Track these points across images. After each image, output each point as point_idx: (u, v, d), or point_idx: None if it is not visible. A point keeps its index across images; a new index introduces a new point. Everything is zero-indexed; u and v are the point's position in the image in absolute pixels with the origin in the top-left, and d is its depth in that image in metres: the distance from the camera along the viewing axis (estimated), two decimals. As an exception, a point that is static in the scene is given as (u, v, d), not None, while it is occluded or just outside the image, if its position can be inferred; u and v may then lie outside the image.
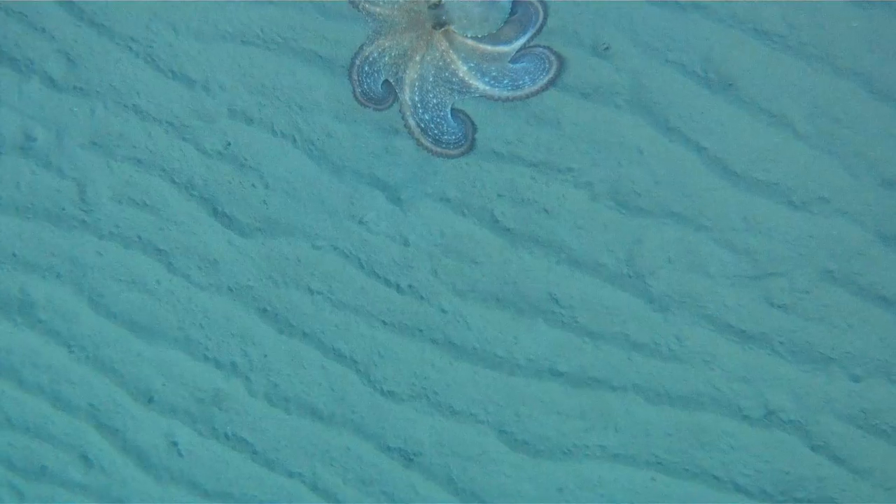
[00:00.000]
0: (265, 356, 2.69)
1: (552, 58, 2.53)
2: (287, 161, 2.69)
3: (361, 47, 2.60)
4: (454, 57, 2.51)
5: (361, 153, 2.64)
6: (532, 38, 2.50)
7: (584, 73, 2.52)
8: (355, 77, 2.60)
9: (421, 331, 2.65)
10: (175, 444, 2.70)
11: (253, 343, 2.70)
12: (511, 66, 2.54)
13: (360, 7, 2.56)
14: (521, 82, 2.52)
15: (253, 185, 2.70)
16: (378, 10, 2.51)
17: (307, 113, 2.65)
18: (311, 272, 2.69)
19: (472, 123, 2.56)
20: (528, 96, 2.54)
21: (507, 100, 2.53)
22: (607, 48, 2.50)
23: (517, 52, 2.53)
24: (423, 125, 2.56)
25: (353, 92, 2.61)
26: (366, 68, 2.59)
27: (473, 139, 2.55)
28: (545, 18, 2.52)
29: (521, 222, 2.59)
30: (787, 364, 2.46)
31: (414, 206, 2.63)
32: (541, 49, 2.54)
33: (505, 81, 2.51)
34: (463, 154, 2.55)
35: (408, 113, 2.59)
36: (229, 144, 2.69)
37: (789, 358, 2.46)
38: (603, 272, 2.57)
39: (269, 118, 2.68)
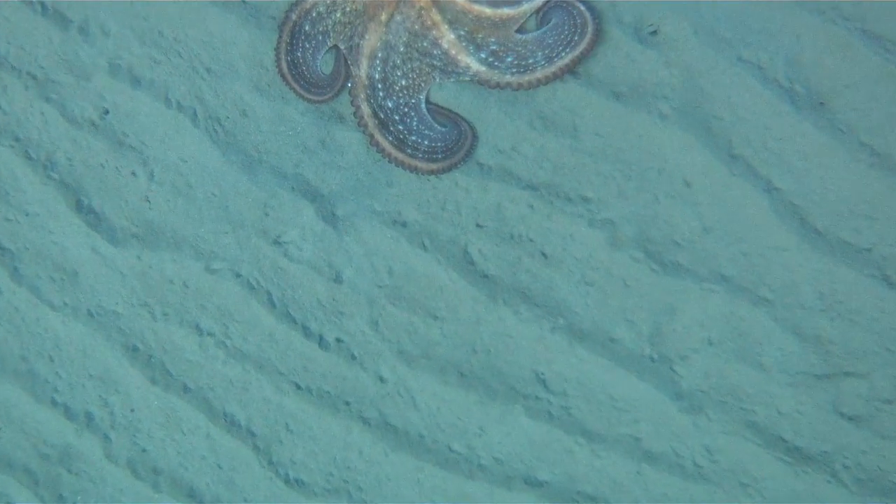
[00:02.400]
0: (132, 411, 2.41)
1: (586, 20, 2.09)
2: (182, 144, 2.35)
3: (303, -6, 2.18)
4: (437, 19, 2.10)
5: (287, 145, 2.31)
6: (546, 14, 2.13)
7: (618, 63, 2.17)
8: (285, 39, 2.18)
9: (348, 404, 2.34)
10: (11, 507, 2.43)
11: (116, 391, 2.41)
12: (519, 37, 2.13)
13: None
14: (531, 61, 2.11)
15: (133, 174, 2.38)
16: (331, -60, 2.15)
17: (217, 79, 2.31)
18: (202, 304, 2.37)
19: (469, 127, 2.19)
20: (538, 83, 2.13)
21: (507, 87, 2.12)
22: (655, 32, 2.16)
23: (529, 17, 2.14)
24: (382, 115, 2.17)
25: (278, 61, 2.21)
26: (305, 27, 2.18)
27: (468, 152, 2.19)
28: None
29: (505, 268, 2.26)
30: (849, 494, 2.16)
31: (354, 228, 2.31)
32: (572, 4, 2.11)
33: (508, 59, 2.12)
34: (441, 171, 2.19)
35: (361, 95, 2.16)
36: (107, 113, 2.37)
37: (853, 487, 2.17)
38: (615, 350, 2.24)
39: (163, 81, 2.34)
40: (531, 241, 2.25)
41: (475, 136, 2.20)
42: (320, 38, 2.19)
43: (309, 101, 2.23)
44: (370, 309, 2.31)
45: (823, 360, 2.14)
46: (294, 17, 2.20)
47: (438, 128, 2.18)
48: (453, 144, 2.18)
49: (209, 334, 2.37)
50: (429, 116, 2.18)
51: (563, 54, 2.09)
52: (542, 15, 2.13)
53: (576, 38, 2.09)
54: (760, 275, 2.15)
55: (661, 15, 2.17)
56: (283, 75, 2.23)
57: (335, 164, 2.32)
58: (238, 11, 2.30)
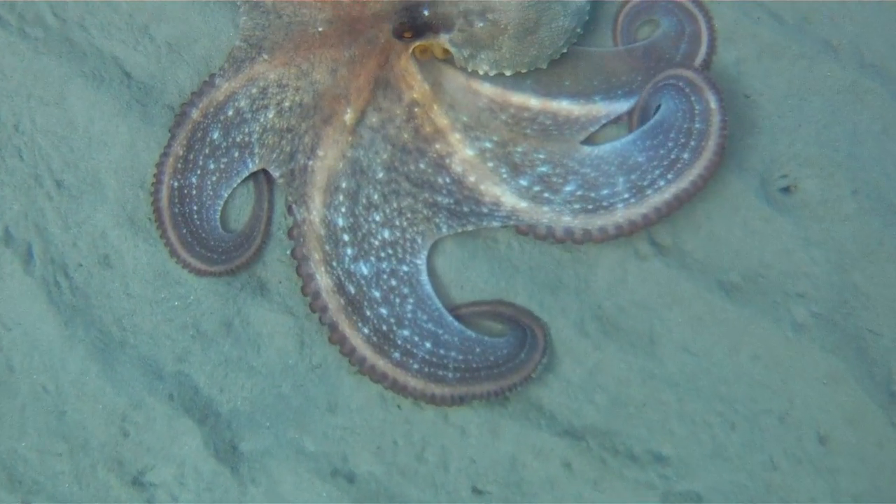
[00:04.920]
0: None
1: (711, 124, 1.50)
2: (6, 300, 1.88)
3: (212, 79, 1.56)
4: (443, 122, 1.47)
5: (170, 323, 1.81)
6: (653, 96, 1.62)
7: (731, 233, 1.77)
8: (176, 150, 1.63)
9: None
10: None
11: None
12: (587, 151, 1.48)
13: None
14: (605, 192, 1.47)
15: (-71, 336, 1.89)
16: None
17: (71, 200, 1.85)
18: (14, 566, 1.79)
19: (542, 336, 1.55)
20: (618, 233, 1.47)
21: (566, 237, 1.49)
22: (790, 188, 1.76)
23: (609, 120, 1.51)
24: (352, 290, 1.52)
25: (156, 186, 1.61)
26: (213, 134, 1.54)
27: (520, 381, 1.53)
28: (709, 53, 1.62)
29: (515, 566, 1.67)
30: None
31: (266, 476, 1.77)
32: (697, 87, 1.50)
33: (568, 188, 1.47)
34: (452, 403, 1.50)
35: (316, 255, 1.52)
36: None
37: None
38: None
39: (-13, 195, 1.94)
40: (563, 524, 1.68)
41: (544, 353, 1.54)
42: (237, 154, 1.61)
43: (193, 270, 1.59)
44: None
45: None
46: (195, 114, 1.60)
47: (455, 324, 1.50)
48: (491, 363, 1.54)
49: None
50: (435, 297, 1.50)
51: (662, 183, 1.46)
52: (635, 114, 1.55)
53: (685, 154, 1.47)
54: None
55: (802, 160, 1.75)
56: (158, 212, 1.60)
57: (245, 365, 1.81)
58: (117, 91, 1.83)
